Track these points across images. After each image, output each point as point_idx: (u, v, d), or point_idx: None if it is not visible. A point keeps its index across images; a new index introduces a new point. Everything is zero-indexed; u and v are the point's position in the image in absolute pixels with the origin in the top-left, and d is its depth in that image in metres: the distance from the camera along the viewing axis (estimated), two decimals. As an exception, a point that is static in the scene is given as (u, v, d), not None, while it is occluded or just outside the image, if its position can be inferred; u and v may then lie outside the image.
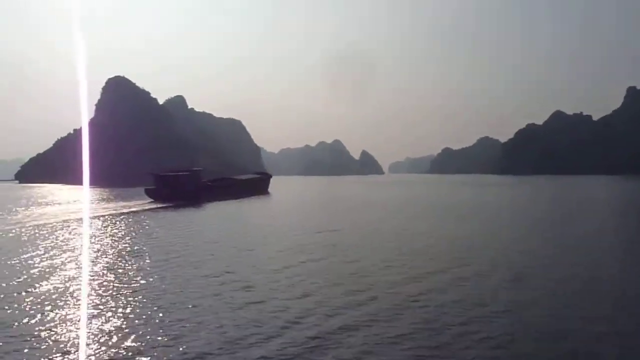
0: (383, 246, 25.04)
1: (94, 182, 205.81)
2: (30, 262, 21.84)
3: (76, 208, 57.94)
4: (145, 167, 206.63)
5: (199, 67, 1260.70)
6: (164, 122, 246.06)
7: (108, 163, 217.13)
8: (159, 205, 57.50)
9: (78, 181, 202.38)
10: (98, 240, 29.20)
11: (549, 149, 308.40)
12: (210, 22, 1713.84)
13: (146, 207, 55.19)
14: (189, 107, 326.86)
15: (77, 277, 18.77)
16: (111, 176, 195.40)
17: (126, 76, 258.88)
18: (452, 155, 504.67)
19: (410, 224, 35.78)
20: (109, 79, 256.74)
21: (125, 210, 51.10)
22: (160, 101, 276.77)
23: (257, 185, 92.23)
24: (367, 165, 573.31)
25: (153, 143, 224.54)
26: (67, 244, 27.39)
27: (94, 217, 43.83)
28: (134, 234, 32.58)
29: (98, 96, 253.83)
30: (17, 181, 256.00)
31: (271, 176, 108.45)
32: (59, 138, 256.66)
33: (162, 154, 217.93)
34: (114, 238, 30.23)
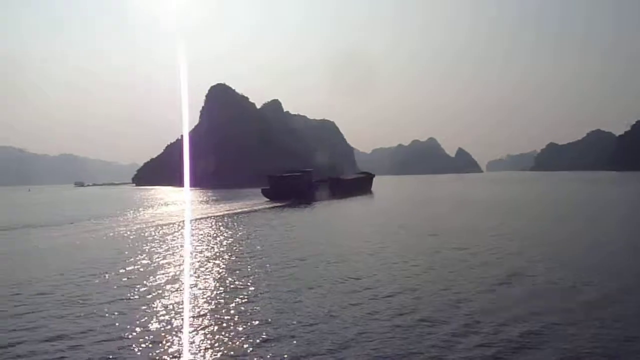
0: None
1: (199, 185, 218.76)
2: (164, 258, 22.91)
3: (195, 208, 61.17)
4: (246, 169, 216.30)
5: (296, 74, 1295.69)
6: (262, 126, 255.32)
7: (213, 166, 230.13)
8: (274, 205, 60.02)
9: (180, 184, 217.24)
10: (223, 238, 30.17)
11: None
12: (308, 26, 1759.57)
13: (261, 207, 57.40)
14: (285, 110, 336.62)
15: (207, 271, 19.27)
16: (216, 179, 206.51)
17: (226, 83, 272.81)
18: (558, 150, 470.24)
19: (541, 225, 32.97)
20: (211, 87, 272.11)
21: (242, 210, 53.27)
22: (258, 105, 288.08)
23: (362, 185, 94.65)
24: (464, 163, 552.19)
25: (253, 146, 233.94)
26: (198, 240, 28.69)
27: (215, 217, 45.83)
28: (252, 232, 33.41)
29: (202, 103, 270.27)
30: (134, 184, 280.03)
31: (374, 175, 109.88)
32: (169, 143, 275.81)
33: (261, 157, 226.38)
34: (236, 236, 31.15)
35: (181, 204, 74.08)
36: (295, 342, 11.21)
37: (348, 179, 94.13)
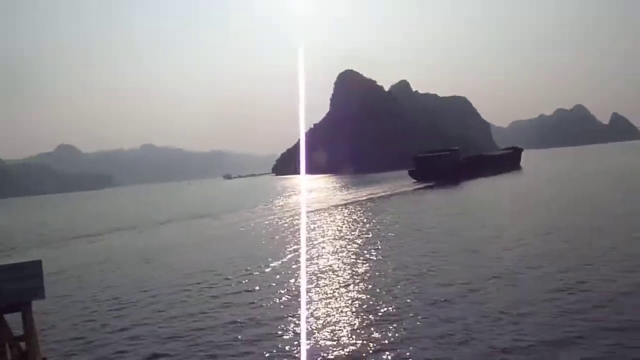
0: None
1: (335, 171, 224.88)
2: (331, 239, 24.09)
3: (336, 195, 63.14)
4: (380, 153, 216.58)
5: (422, 51, 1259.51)
6: (392, 108, 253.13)
7: (345, 152, 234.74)
8: (420, 186, 60.14)
9: (318, 172, 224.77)
10: (368, 225, 30.74)
11: None
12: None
13: (405, 189, 57.48)
14: (414, 90, 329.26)
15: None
16: (349, 164, 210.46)
17: (354, 69, 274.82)
18: None
19: None
20: (340, 74, 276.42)
21: (385, 193, 53.92)
22: (386, 87, 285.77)
23: (509, 161, 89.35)
24: (620, 130, 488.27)
25: (383, 129, 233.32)
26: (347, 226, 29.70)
27: (358, 202, 47.01)
28: (398, 216, 33.53)
29: (331, 91, 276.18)
30: (273, 174, 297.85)
31: (522, 150, 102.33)
32: (306, 131, 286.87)
33: (394, 139, 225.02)
34: (381, 222, 31.58)
35: (320, 191, 76.48)
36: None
37: (495, 155, 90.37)
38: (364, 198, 50.99)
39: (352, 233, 27.32)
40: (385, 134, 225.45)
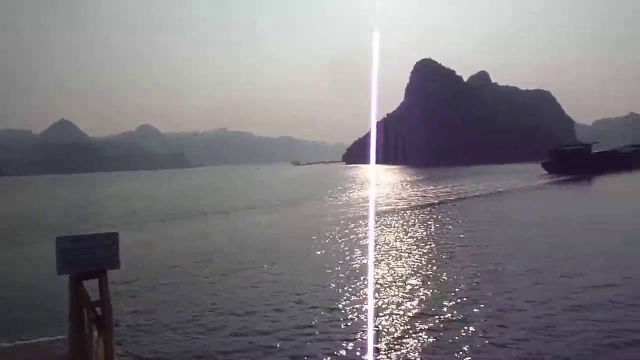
0: None
1: (405, 162, 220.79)
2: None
3: (410, 191, 61.15)
4: (458, 145, 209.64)
5: (503, 42, 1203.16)
6: (472, 99, 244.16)
7: (418, 144, 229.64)
8: (554, 179, 60.91)
9: (387, 162, 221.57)
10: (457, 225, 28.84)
11: None
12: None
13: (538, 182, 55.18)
14: (493, 81, 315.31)
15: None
16: (428, 155, 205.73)
17: (432, 58, 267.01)
18: None
19: None
20: (417, 63, 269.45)
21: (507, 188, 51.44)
22: (465, 78, 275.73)
23: (637, 159, 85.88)
24: None
25: (463, 121, 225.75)
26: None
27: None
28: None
29: (407, 80, 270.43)
30: (343, 162, 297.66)
31: None
32: (378, 122, 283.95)
33: (473, 132, 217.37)
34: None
35: (394, 185, 74.92)
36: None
37: (624, 152, 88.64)
38: (453, 197, 48.31)
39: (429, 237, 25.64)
40: (465, 126, 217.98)
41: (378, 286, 14.62)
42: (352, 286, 14.85)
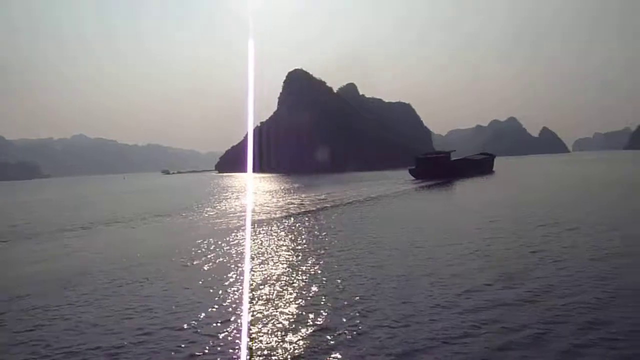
0: None
1: (280, 169, 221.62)
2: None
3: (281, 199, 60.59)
4: (330, 153, 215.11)
5: (368, 54, 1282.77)
6: (340, 109, 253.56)
7: (292, 151, 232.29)
8: (420, 185, 64.15)
9: (263, 170, 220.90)
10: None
11: None
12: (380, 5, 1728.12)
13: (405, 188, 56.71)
14: (360, 93, 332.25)
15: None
16: (296, 163, 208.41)
17: (303, 68, 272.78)
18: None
19: None
20: (289, 73, 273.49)
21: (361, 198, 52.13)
22: (335, 89, 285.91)
23: (486, 165, 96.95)
24: (549, 143, 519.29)
25: (331, 130, 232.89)
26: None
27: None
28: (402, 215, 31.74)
29: (280, 90, 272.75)
30: (216, 171, 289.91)
31: (495, 156, 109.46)
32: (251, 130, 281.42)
33: (338, 140, 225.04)
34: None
35: (269, 192, 74.31)
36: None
37: (476, 160, 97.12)
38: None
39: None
40: (336, 135, 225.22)
41: (253, 303, 13.41)
42: (225, 303, 13.03)
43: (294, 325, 11.45)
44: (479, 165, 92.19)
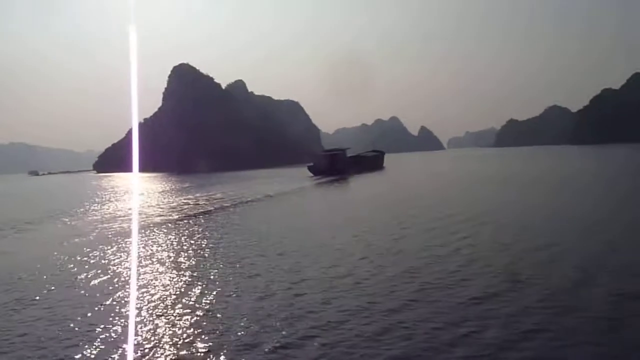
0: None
1: (166, 168, 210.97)
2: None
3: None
4: (221, 149, 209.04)
5: (253, 52, 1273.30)
6: (228, 106, 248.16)
7: (178, 149, 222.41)
8: (321, 181, 65.51)
9: (147, 169, 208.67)
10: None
11: (628, 115, 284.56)
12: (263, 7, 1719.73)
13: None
14: (249, 90, 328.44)
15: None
16: (183, 162, 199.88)
17: (190, 64, 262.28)
18: (518, 126, 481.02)
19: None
20: (174, 67, 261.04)
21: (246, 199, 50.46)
22: (223, 86, 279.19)
23: (378, 161, 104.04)
24: (426, 141, 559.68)
25: (220, 126, 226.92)
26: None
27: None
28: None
29: (165, 85, 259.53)
30: (94, 171, 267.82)
31: (385, 153, 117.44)
32: (130, 129, 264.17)
33: (228, 136, 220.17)
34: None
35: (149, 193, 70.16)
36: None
37: (369, 157, 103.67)
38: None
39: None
40: (225, 131, 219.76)
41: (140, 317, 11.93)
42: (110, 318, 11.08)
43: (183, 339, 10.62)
44: (372, 162, 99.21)
